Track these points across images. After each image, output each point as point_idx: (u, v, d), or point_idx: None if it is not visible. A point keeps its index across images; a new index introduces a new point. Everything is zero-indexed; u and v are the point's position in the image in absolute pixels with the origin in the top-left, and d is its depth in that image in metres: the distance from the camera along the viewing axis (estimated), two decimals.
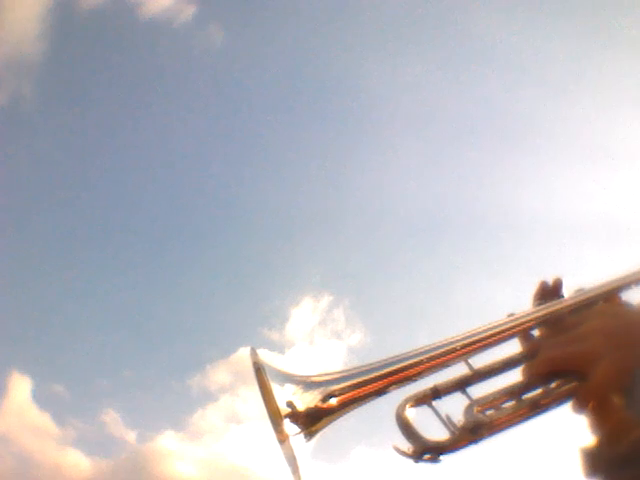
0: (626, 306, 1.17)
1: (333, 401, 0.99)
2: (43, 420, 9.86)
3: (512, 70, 9.89)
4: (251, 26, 10.67)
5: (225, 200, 11.28)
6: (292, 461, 0.95)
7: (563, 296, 1.20)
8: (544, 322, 1.14)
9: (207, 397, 10.69)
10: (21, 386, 9.86)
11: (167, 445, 10.33)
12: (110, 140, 11.18)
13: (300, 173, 11.05)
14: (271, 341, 10.72)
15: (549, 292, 1.21)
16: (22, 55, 10.32)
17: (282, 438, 0.95)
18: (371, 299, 11.22)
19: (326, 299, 10.99)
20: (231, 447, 10.61)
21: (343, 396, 0.99)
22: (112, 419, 10.02)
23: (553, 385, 1.03)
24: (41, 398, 9.92)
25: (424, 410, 1.04)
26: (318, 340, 11.08)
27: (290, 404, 0.96)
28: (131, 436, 10.19)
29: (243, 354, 10.69)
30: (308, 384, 1.00)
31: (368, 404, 1.02)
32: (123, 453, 10.43)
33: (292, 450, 0.94)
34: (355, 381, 1.01)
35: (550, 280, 1.23)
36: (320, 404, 0.98)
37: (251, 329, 11.06)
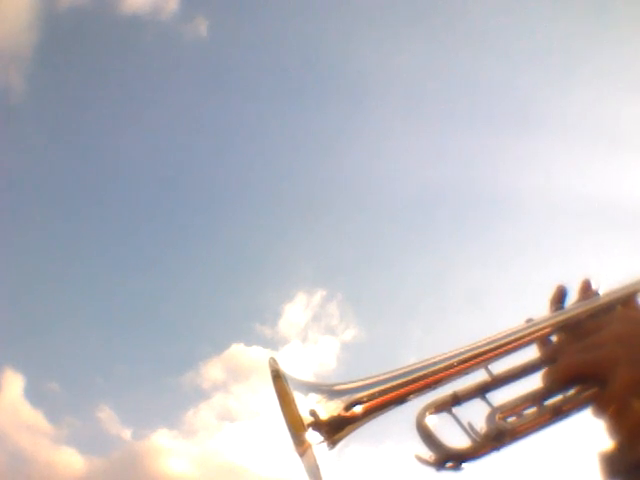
0: None
1: (356, 409, 0.98)
2: (36, 418, 9.82)
3: (510, 51, 9.78)
4: (237, 12, 10.60)
5: (217, 196, 11.25)
6: (314, 471, 0.94)
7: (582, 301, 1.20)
8: (562, 328, 1.14)
9: (200, 394, 10.68)
10: (14, 384, 9.82)
11: (161, 442, 10.32)
12: (99, 132, 11.10)
13: (290, 166, 11.00)
14: (264, 337, 10.71)
15: (575, 295, 1.21)
16: (10, 47, 10.24)
17: (303, 448, 0.95)
18: (365, 293, 11.22)
19: (319, 294, 10.99)
20: (224, 444, 10.61)
21: (365, 404, 0.99)
22: (106, 417, 10.00)
23: (573, 391, 1.03)
24: (34, 396, 9.88)
25: (442, 417, 1.04)
26: (312, 336, 11.09)
27: (313, 413, 0.95)
28: (125, 434, 10.17)
29: (236, 350, 10.70)
30: (332, 393, 1.00)
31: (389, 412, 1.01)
32: (117, 451, 10.41)
33: (315, 459, 0.93)
34: (378, 389, 1.00)
35: (567, 285, 1.22)
36: (343, 412, 0.97)
37: (244, 325, 11.06)
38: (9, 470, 9.40)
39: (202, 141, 11.11)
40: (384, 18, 10.10)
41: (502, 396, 1.08)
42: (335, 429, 0.96)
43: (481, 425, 1.00)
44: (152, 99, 11.01)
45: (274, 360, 0.99)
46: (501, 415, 1.02)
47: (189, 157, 11.14)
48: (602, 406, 1.00)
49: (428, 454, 0.98)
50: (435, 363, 1.04)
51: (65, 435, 9.87)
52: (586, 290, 1.21)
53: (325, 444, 0.95)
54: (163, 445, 10.32)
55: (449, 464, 0.97)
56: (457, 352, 1.06)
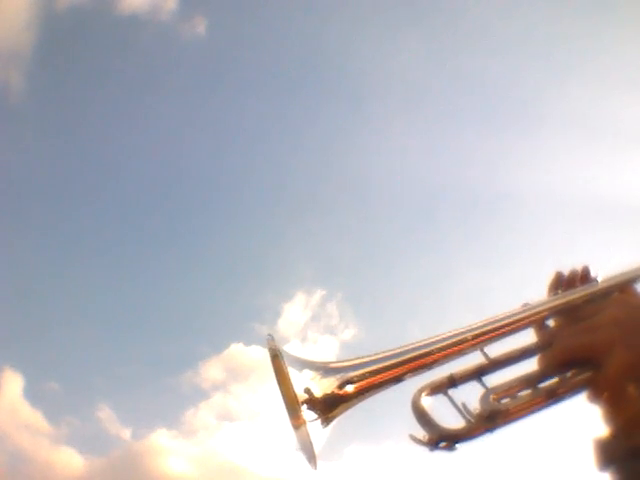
0: None
1: (350, 388, 0.99)
2: (36, 417, 9.81)
3: (511, 50, 9.74)
4: (236, 11, 10.60)
5: (216, 195, 11.26)
6: (308, 447, 0.94)
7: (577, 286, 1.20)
8: (559, 312, 1.14)
9: (200, 394, 10.67)
10: (13, 383, 9.81)
11: (160, 442, 10.31)
12: (98, 132, 11.11)
13: (289, 165, 11.00)
14: (263, 337, 10.66)
15: (565, 282, 1.21)
16: (9, 46, 10.25)
17: (298, 424, 0.95)
18: (365, 293, 11.21)
19: (319, 294, 10.98)
20: (224, 444, 10.61)
21: (360, 383, 0.99)
22: (106, 416, 9.99)
23: (569, 374, 1.03)
24: (34, 396, 9.87)
25: (439, 398, 1.04)
26: (311, 336, 11.08)
27: (307, 390, 0.95)
28: (125, 433, 10.16)
29: (235, 350, 10.69)
30: (327, 370, 1.00)
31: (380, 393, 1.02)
32: (116, 450, 10.40)
33: (308, 436, 0.93)
34: (372, 368, 1.00)
35: (565, 271, 1.23)
36: (337, 390, 0.98)
37: (243, 325, 11.06)
38: (9, 470, 9.39)
39: (201, 141, 11.12)
40: (384, 17, 10.10)
41: (499, 379, 1.08)
42: (329, 407, 0.96)
43: (475, 406, 1.00)
44: (151, 98, 11.03)
45: (271, 337, 0.99)
46: (495, 396, 1.02)
47: (188, 156, 11.15)
48: (597, 390, 1.00)
49: (422, 434, 0.98)
50: (431, 344, 1.04)
51: (64, 435, 9.87)
52: (577, 279, 1.22)
53: (319, 421, 0.95)
54: (162, 445, 10.32)
55: (443, 444, 0.97)
56: (453, 333, 1.07)
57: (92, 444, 10.19)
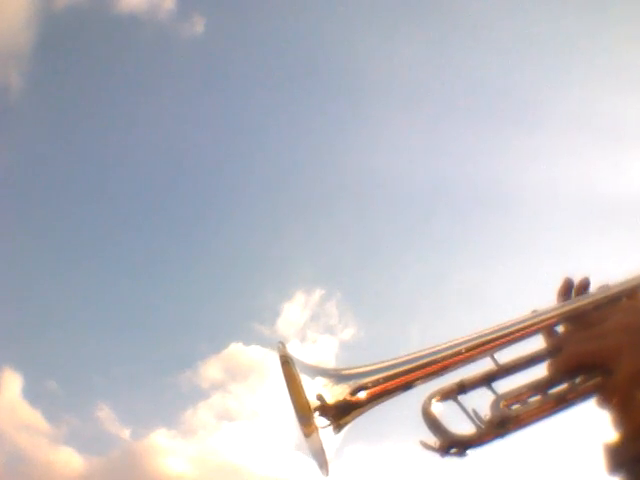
0: None
1: (363, 394, 0.99)
2: (35, 417, 9.80)
3: (512, 47, 9.68)
4: (234, 10, 10.56)
5: (215, 195, 11.25)
6: (320, 454, 0.95)
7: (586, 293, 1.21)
8: (568, 318, 1.15)
9: (199, 394, 10.66)
10: (12, 383, 9.80)
11: (160, 442, 10.31)
12: (97, 131, 11.08)
13: (289, 165, 10.97)
14: (262, 337, 10.69)
15: (575, 289, 1.22)
16: (8, 45, 10.22)
17: (309, 431, 0.95)
18: (364, 292, 11.18)
19: (318, 293, 10.95)
20: (223, 444, 10.61)
21: (373, 389, 1.00)
22: (105, 416, 9.99)
23: (578, 380, 1.04)
24: (33, 395, 9.85)
25: (449, 405, 1.04)
26: (310, 335, 11.07)
27: (320, 397, 0.96)
28: (124, 433, 10.15)
29: (234, 350, 10.69)
30: (339, 377, 1.00)
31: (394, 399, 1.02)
32: (115, 450, 10.40)
33: (320, 443, 0.94)
34: (384, 374, 1.01)
35: (574, 277, 1.23)
36: (349, 397, 0.98)
37: (242, 325, 11.04)
38: (8, 470, 9.38)
39: (200, 140, 11.09)
40: (384, 16, 10.09)
41: (508, 385, 1.09)
42: (341, 413, 0.97)
43: (486, 412, 1.01)
44: (150, 97, 11.00)
45: (282, 344, 1.00)
46: (505, 403, 1.03)
47: (187, 156, 11.13)
48: (606, 396, 1.01)
49: (433, 440, 0.98)
50: (441, 350, 1.05)
51: (64, 434, 9.85)
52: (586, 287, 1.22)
53: (331, 428, 0.96)
54: (162, 444, 10.30)
55: (453, 450, 0.97)
56: (463, 340, 1.07)
57: (91, 444, 10.18)
